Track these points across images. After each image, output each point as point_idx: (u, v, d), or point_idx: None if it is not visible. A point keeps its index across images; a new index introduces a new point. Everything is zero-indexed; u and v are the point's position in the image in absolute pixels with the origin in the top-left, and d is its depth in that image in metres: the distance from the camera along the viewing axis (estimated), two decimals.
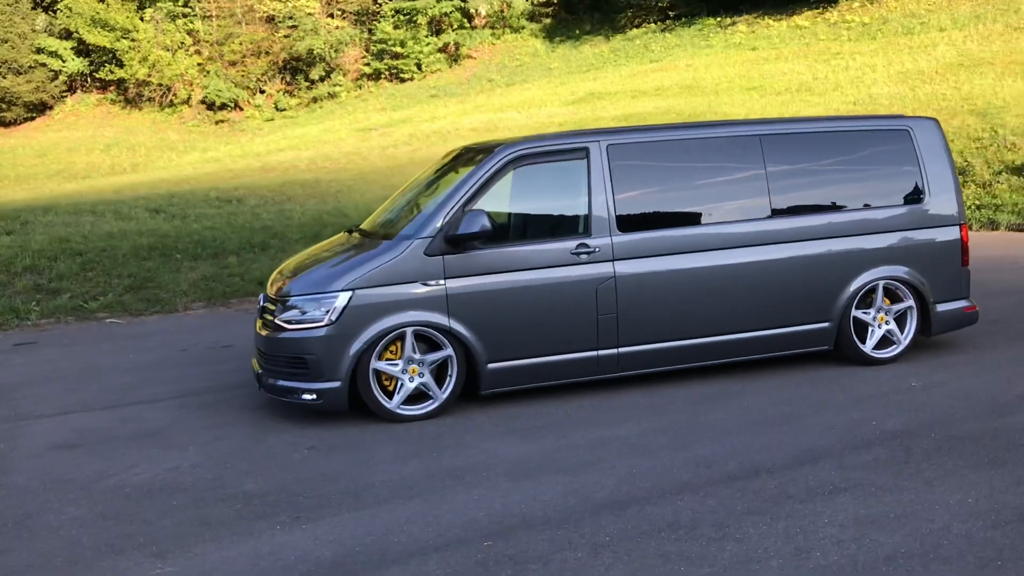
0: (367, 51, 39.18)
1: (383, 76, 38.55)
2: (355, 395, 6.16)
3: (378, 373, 6.18)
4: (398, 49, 37.61)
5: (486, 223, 6.11)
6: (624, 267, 6.48)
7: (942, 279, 7.20)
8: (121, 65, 38.68)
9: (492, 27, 39.31)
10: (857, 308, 7.04)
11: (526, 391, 6.54)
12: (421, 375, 6.24)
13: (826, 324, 6.97)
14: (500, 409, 6.36)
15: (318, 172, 22.78)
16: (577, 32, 38.26)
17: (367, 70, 38.81)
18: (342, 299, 6.09)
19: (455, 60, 38.86)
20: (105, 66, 39.09)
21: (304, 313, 6.18)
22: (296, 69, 39.83)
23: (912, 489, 4.54)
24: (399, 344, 6.22)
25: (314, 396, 6.13)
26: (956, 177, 7.36)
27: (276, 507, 4.80)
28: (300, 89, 39.85)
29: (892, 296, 7.14)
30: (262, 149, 30.90)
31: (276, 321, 6.29)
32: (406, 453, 5.57)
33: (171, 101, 39.55)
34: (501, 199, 6.43)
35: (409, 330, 6.16)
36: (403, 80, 38.15)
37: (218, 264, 13.04)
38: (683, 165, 6.81)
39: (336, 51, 38.59)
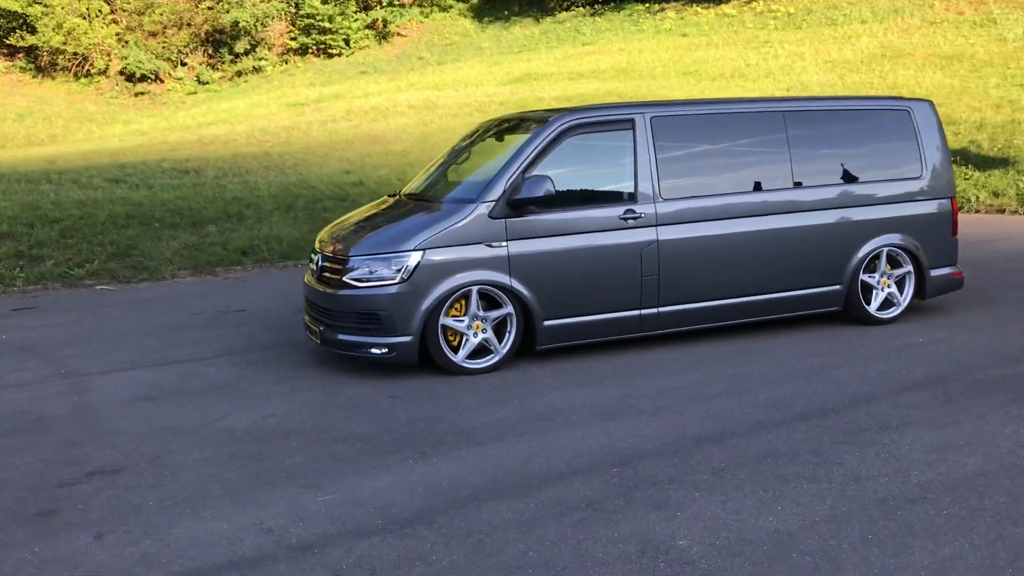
0: (293, 25, 38.68)
1: (310, 51, 38.17)
2: (421, 350, 6.51)
3: (445, 329, 6.54)
4: (326, 24, 37.29)
5: (550, 187, 6.52)
6: (666, 232, 6.99)
7: (935, 247, 7.95)
8: (33, 31, 37.25)
9: (420, 5, 39.33)
10: (864, 272, 7.72)
11: (568, 349, 6.98)
12: (484, 331, 6.63)
13: (838, 287, 7.63)
14: (553, 364, 6.79)
15: (262, 145, 22.59)
16: (506, 13, 38.61)
17: (294, 45, 38.35)
18: (414, 258, 6.42)
19: (383, 37, 38.75)
20: (15, 32, 37.58)
21: (373, 272, 6.49)
22: (220, 42, 39.05)
23: (968, 422, 5.18)
24: (463, 302, 6.59)
25: (385, 350, 6.46)
26: (948, 154, 8.11)
27: (396, 446, 5.14)
28: (224, 62, 39.10)
29: (893, 262, 7.84)
30: (191, 122, 30.30)
31: (344, 279, 6.58)
32: (487, 401, 5.96)
33: (87, 71, 38.30)
34: (555, 166, 6.82)
35: (475, 288, 6.55)
36: (331, 56, 37.85)
37: (198, 233, 13.05)
38: (717, 137, 7.35)
39: (263, 25, 38.00)
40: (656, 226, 6.97)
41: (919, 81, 21.47)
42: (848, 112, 7.90)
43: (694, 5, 32.26)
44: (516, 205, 6.59)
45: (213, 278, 11.72)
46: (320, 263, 6.99)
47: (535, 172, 6.66)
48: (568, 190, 6.95)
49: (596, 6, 35.59)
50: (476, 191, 6.72)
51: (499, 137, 7.58)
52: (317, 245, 7.32)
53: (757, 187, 7.37)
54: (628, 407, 5.73)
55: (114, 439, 5.44)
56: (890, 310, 7.86)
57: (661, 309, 7.07)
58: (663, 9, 33.04)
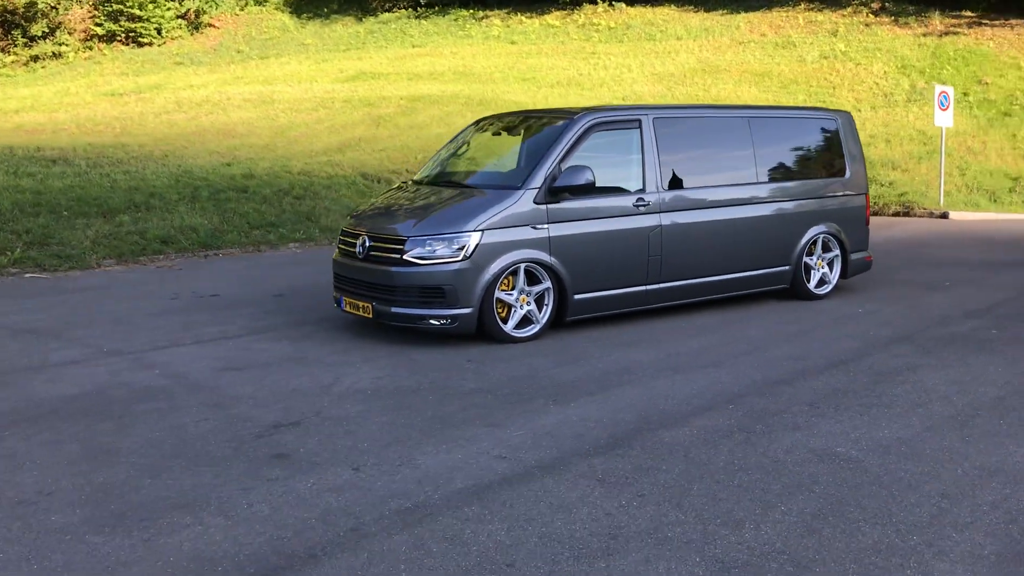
0: (97, 10, 36.70)
1: (118, 39, 36.37)
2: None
3: (497, 301, 7.30)
4: (136, 11, 35.70)
5: (590, 176, 7.44)
6: (667, 218, 8.08)
7: (854, 234, 9.53)
8: None
9: None
10: (806, 255, 9.16)
11: (587, 322, 7.91)
12: (528, 304, 7.44)
13: (787, 267, 9.02)
14: (584, 334, 7.70)
15: (103, 136, 21.73)
16: (325, 10, 38.54)
17: (99, 31, 36.36)
18: (475, 238, 7.14)
19: (196, 28, 37.59)
20: None
21: (434, 251, 7.15)
22: (12, 24, 36.38)
23: (964, 364, 6.60)
24: (511, 278, 7.37)
25: (447, 320, 7.13)
26: (863, 156, 9.73)
27: (520, 397, 5.87)
28: (16, 46, 36.47)
29: (825, 247, 9.34)
30: None
31: (405, 257, 7.18)
32: (558, 362, 6.79)
33: None
34: (582, 158, 7.71)
35: (522, 266, 7.35)
36: (141, 45, 36.26)
37: (111, 223, 12.81)
38: (704, 137, 8.54)
39: (64, 8, 35.82)
40: (660, 212, 8.04)
41: (738, 94, 23.94)
42: (794, 120, 9.36)
43: (518, 14, 33.76)
44: (555, 192, 7.45)
45: (143, 267, 11.64)
46: (366, 244, 7.51)
47: (569, 163, 7.55)
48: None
49: (419, 9, 36.33)
50: (519, 179, 7.51)
51: (510, 132, 8.40)
52: (351, 228, 7.84)
53: (733, 181, 8.62)
54: (684, 363, 6.74)
55: (254, 401, 5.81)
56: (823, 287, 9.35)
57: (661, 285, 8.15)
58: (487, 16, 34.31)
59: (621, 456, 4.78)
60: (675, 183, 8.17)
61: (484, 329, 7.29)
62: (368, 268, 7.45)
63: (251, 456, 4.83)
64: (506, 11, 34.37)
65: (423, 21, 35.49)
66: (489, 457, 4.77)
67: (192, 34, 37.65)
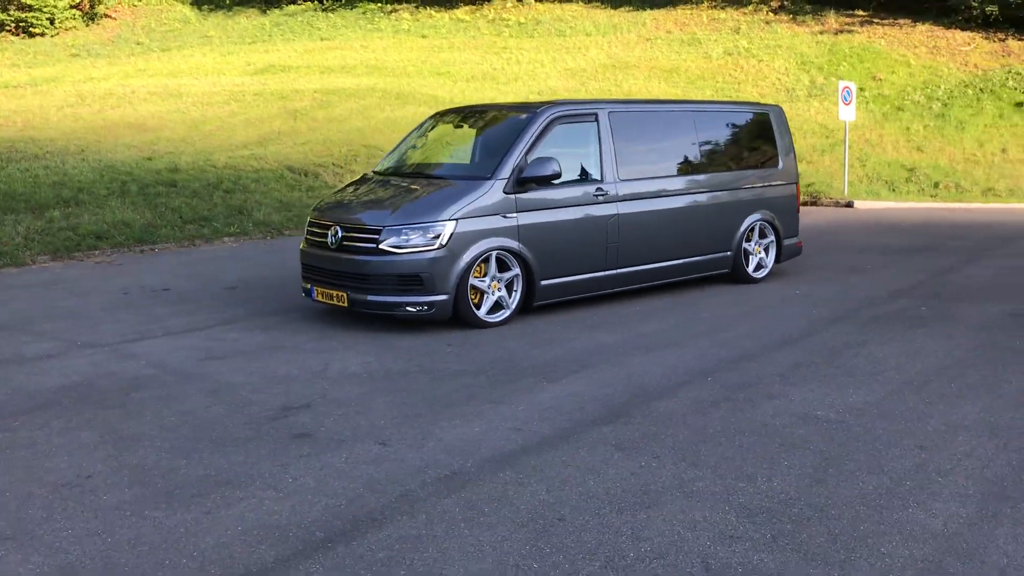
0: None
1: (7, 28, 34.95)
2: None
3: (471, 288, 7.59)
4: (28, 1, 34.37)
5: (556, 167, 7.78)
6: (623, 207, 8.51)
7: (787, 221, 10.16)
8: None
9: None
10: (745, 242, 9.73)
11: (551, 307, 8.26)
12: (500, 290, 7.76)
13: (729, 253, 9.57)
14: (551, 318, 8.05)
15: (1, 130, 21.02)
16: (227, 2, 37.85)
17: None
18: (449, 227, 7.41)
19: (91, 19, 36.42)
20: None
21: (409, 239, 7.39)
22: None
23: (905, 339, 7.20)
24: (483, 265, 7.66)
25: (424, 307, 7.38)
26: (793, 148, 10.37)
27: (509, 376, 6.18)
28: None
29: (762, 233, 9.93)
30: None
31: (381, 247, 7.40)
32: (533, 344, 7.13)
33: None
34: (545, 150, 8.05)
35: (494, 253, 7.66)
36: (33, 35, 34.95)
37: (42, 218, 12.55)
38: (655, 130, 9.00)
39: None
40: (617, 202, 8.45)
41: (648, 89, 24.71)
42: (732, 114, 9.93)
43: (427, 8, 33.88)
44: (523, 182, 7.78)
45: (79, 263, 11.47)
46: (339, 235, 7.69)
47: (535, 155, 7.88)
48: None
49: (325, 1, 36.06)
50: (488, 170, 7.81)
51: (471, 126, 8.71)
52: (318, 219, 8.01)
53: (681, 171, 9.11)
54: (650, 343, 7.16)
55: (251, 387, 5.96)
56: (760, 271, 9.94)
57: (618, 271, 8.57)
58: (396, 10, 34.32)
59: (626, 425, 5.15)
60: (629, 174, 8.60)
61: (459, 315, 7.56)
62: (342, 258, 7.63)
63: (274, 437, 5.01)
64: (414, 5, 34.45)
65: (330, 14, 35.26)
66: (504, 429, 5.07)
67: (88, 25, 36.49)
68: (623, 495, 4.14)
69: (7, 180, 13.89)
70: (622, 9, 31.79)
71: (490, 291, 7.71)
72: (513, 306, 7.85)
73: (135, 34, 35.93)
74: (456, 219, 7.46)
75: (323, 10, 35.61)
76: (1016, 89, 23.73)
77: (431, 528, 3.84)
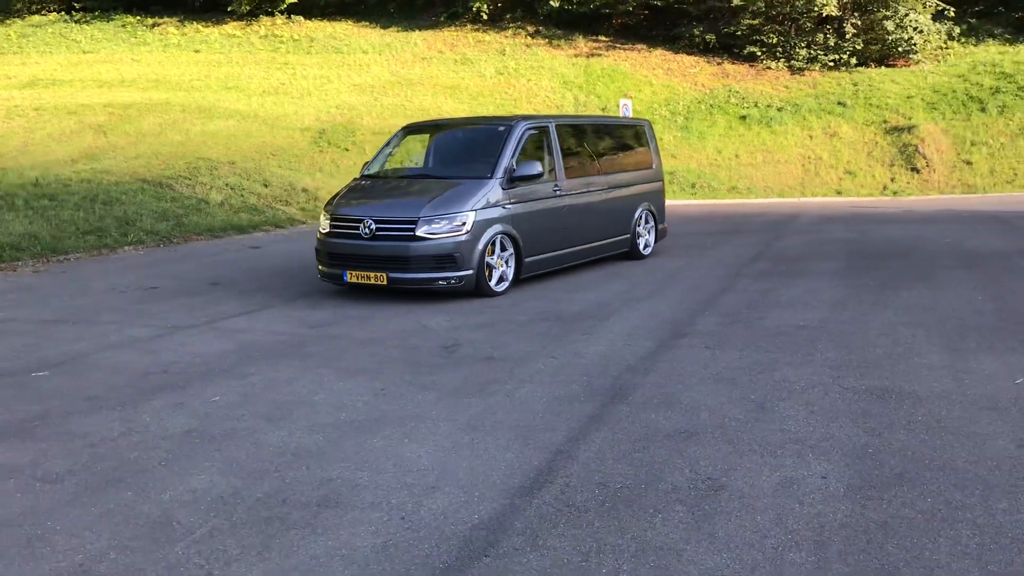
0: None
1: None
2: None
3: (486, 265, 9.56)
4: None
5: (539, 168, 9.94)
6: (569, 200, 10.83)
7: (660, 210, 12.97)
8: None
9: None
10: (637, 226, 12.38)
11: (524, 280, 10.37)
12: (504, 265, 9.78)
13: (628, 235, 12.17)
14: (531, 289, 10.16)
15: None
16: None
17: None
18: (471, 216, 9.36)
19: None
20: None
21: (441, 227, 9.25)
22: None
23: (800, 284, 10.03)
24: (491, 246, 9.65)
25: (455, 281, 9.26)
26: (659, 151, 13.20)
27: (566, 322, 8.24)
28: None
29: (647, 220, 12.64)
30: None
31: (418, 233, 9.19)
32: (550, 302, 9.20)
33: None
34: (522, 155, 10.18)
35: (499, 237, 9.68)
36: None
37: None
38: (579, 140, 11.40)
39: None
40: (565, 196, 10.75)
41: (440, 105, 27.03)
42: (622, 127, 12.59)
43: (193, 23, 33.93)
44: (512, 180, 9.86)
45: (13, 273, 11.88)
46: (372, 226, 9.35)
47: (518, 158, 10.00)
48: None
49: (74, 13, 34.89)
50: (488, 171, 9.80)
51: (452, 135, 10.76)
52: (343, 215, 9.62)
53: (598, 172, 11.57)
54: (624, 300, 9.48)
55: (397, 339, 7.61)
56: (647, 249, 12.64)
57: (569, 249, 10.88)
58: (160, 24, 34.03)
59: (691, 336, 7.49)
60: (570, 174, 10.93)
61: (477, 286, 9.50)
62: (380, 245, 9.31)
63: (470, 360, 6.80)
64: (178, 19, 34.35)
65: (84, 26, 34.23)
66: (620, 346, 7.21)
67: None
68: (750, 368, 6.46)
69: None
70: (391, 29, 33.83)
71: (497, 267, 9.71)
72: (510, 279, 9.90)
73: None
74: (475, 210, 9.41)
75: (75, 21, 34.49)
76: (737, 105, 28.57)
77: (672, 383, 5.95)
